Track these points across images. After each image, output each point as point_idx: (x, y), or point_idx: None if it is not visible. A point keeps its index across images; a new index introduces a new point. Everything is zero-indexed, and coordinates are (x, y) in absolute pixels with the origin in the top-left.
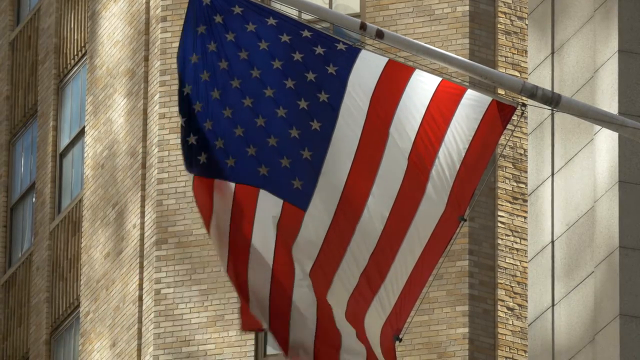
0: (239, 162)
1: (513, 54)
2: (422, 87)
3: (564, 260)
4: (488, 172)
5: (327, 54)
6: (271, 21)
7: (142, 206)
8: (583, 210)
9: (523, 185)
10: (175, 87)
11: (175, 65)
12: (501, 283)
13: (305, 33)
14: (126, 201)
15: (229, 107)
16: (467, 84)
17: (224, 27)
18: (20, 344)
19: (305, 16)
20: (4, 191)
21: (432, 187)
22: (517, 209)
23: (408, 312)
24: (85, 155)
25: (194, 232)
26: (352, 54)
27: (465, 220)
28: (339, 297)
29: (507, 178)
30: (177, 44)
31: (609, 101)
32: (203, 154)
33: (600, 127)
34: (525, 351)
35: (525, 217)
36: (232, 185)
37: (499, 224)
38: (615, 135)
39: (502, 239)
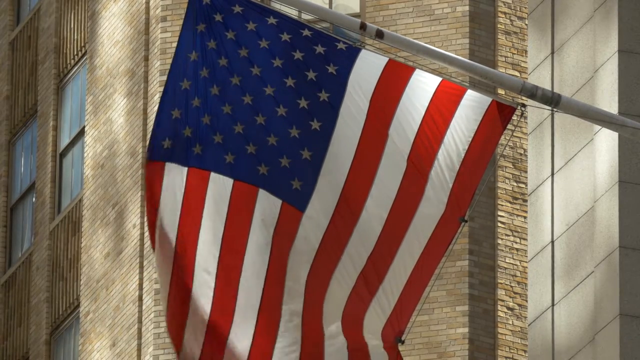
0: (238, 159)
1: (513, 54)
2: (421, 88)
3: (563, 260)
4: (488, 172)
5: (327, 54)
6: (271, 20)
7: (142, 206)
8: (583, 210)
9: (523, 185)
10: None
11: None
12: (501, 283)
13: (306, 32)
14: (126, 201)
15: (228, 104)
16: (467, 84)
17: (224, 26)
18: (20, 344)
19: (305, 16)
20: (4, 191)
21: (431, 188)
22: (517, 209)
23: (410, 313)
24: (85, 155)
25: None
26: (352, 53)
27: (466, 221)
28: (335, 299)
29: (507, 178)
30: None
31: (608, 101)
32: (198, 146)
33: (600, 127)
34: (525, 351)
35: (525, 217)
36: (231, 181)
37: (499, 224)
38: (615, 135)
39: (502, 239)
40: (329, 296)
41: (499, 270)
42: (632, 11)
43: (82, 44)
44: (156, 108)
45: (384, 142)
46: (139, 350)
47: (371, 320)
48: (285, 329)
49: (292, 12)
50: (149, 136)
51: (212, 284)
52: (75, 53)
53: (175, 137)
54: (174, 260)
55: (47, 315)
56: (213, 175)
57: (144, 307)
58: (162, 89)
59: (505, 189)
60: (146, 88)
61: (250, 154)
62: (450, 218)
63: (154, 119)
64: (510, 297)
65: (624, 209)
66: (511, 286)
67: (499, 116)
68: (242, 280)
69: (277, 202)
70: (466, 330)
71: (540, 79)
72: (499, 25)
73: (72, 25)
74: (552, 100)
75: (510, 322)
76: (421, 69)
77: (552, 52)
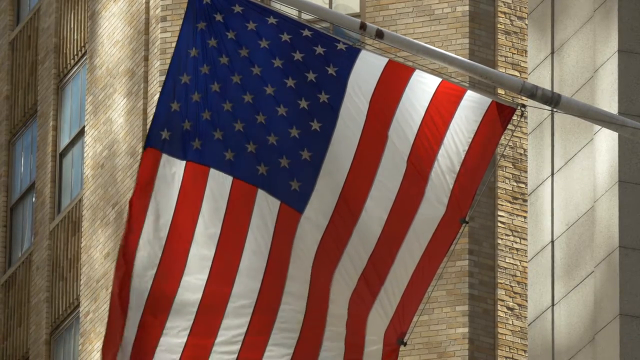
0: (238, 157)
1: (513, 53)
2: (421, 89)
3: (563, 260)
4: (489, 173)
5: (327, 54)
6: (271, 20)
7: None
8: (583, 210)
9: (523, 185)
10: None
11: None
12: (501, 283)
13: (306, 32)
14: (126, 201)
15: (229, 101)
16: (467, 84)
17: (224, 26)
18: (20, 344)
19: (305, 16)
20: (3, 191)
21: (432, 189)
22: (517, 209)
23: (412, 315)
24: (85, 155)
25: None
26: (352, 54)
27: (467, 222)
28: (339, 301)
29: (507, 178)
30: None
31: (608, 101)
32: (197, 140)
33: (600, 127)
34: (525, 351)
35: (525, 217)
36: (230, 179)
37: (499, 224)
38: (615, 135)
39: (502, 239)
40: (332, 297)
41: (499, 270)
42: (632, 11)
43: (82, 44)
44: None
45: (383, 143)
46: None
47: (374, 321)
48: (279, 330)
49: (292, 12)
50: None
51: (204, 284)
52: (75, 53)
53: (173, 129)
54: (162, 255)
55: (47, 315)
56: (212, 171)
57: None
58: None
59: (505, 189)
60: (146, 88)
61: (250, 153)
62: (451, 219)
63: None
64: (510, 297)
65: (623, 209)
66: (511, 286)
67: (499, 117)
68: (237, 281)
69: (276, 203)
70: (466, 330)
71: (540, 79)
72: (498, 25)
73: (72, 25)
74: (552, 100)
75: (510, 322)
76: (421, 69)
77: (552, 52)
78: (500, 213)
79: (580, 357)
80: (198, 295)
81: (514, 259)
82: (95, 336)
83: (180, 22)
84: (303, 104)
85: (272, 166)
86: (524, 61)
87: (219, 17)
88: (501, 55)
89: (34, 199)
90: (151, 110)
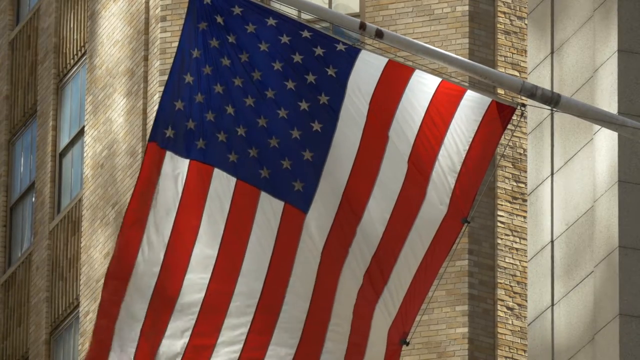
0: (241, 160)
1: (512, 53)
2: (421, 89)
3: (563, 260)
4: (489, 172)
5: (326, 55)
6: (271, 21)
7: None
8: (582, 210)
9: (523, 185)
10: None
11: None
12: (501, 283)
13: (305, 33)
14: (126, 201)
15: (232, 105)
16: (467, 84)
17: (225, 29)
18: (20, 344)
19: (305, 16)
20: (3, 191)
21: (433, 189)
22: (517, 209)
23: (414, 315)
24: (85, 155)
25: None
26: (351, 55)
27: (469, 222)
28: (345, 300)
29: (506, 178)
30: (176, 44)
31: (608, 101)
32: (201, 140)
33: (599, 127)
34: (525, 351)
35: (524, 217)
36: (234, 180)
37: (499, 224)
38: (615, 135)
39: (501, 239)
40: (338, 296)
41: (499, 270)
42: (632, 11)
43: (82, 44)
44: (156, 108)
45: (384, 144)
46: None
47: (377, 321)
48: (282, 330)
49: (292, 12)
50: (148, 136)
51: (206, 283)
52: (74, 53)
53: (177, 128)
54: (165, 253)
55: (47, 315)
56: (217, 171)
57: None
58: (162, 88)
59: (505, 188)
60: (146, 88)
61: (253, 157)
62: (453, 219)
63: (154, 118)
64: (510, 296)
65: (623, 209)
66: (511, 286)
67: (499, 116)
68: (240, 281)
69: (280, 204)
70: (466, 330)
71: (540, 78)
72: (498, 25)
73: (71, 25)
74: (552, 100)
75: (510, 322)
76: (421, 69)
77: (552, 52)
78: (500, 213)
79: (580, 357)
80: (201, 295)
81: (513, 258)
82: None
83: (180, 22)
84: (303, 105)
85: (274, 169)
86: (523, 61)
87: (219, 20)
88: (501, 55)
89: (33, 199)
90: (151, 110)
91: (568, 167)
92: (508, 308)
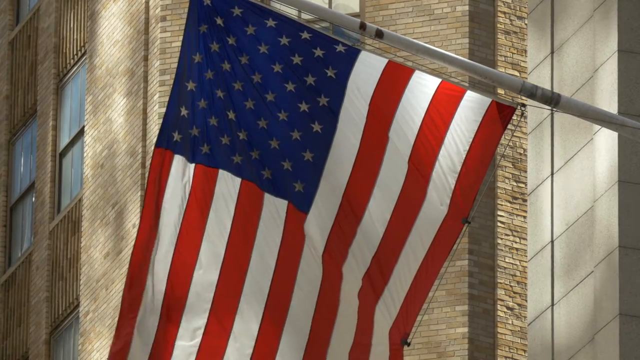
0: (245, 162)
1: (513, 53)
2: (421, 90)
3: (563, 260)
4: (489, 173)
5: (326, 57)
6: (270, 23)
7: (142, 206)
8: (582, 210)
9: (523, 185)
10: None
11: (175, 65)
12: (501, 283)
13: (305, 35)
14: (126, 201)
15: (233, 110)
16: (467, 84)
17: (225, 31)
18: (20, 344)
19: (305, 16)
20: (3, 191)
21: (434, 190)
22: (517, 209)
23: (415, 315)
24: (85, 154)
25: None
26: (351, 56)
27: (469, 222)
28: (349, 300)
29: (506, 178)
30: (176, 44)
31: (608, 101)
32: (206, 145)
33: (599, 126)
34: (525, 351)
35: (525, 217)
36: (239, 180)
37: (499, 224)
38: (615, 135)
39: (501, 239)
40: (343, 296)
41: (499, 270)
42: (631, 11)
43: (82, 44)
44: (156, 107)
45: (384, 145)
46: None
47: (379, 322)
48: (290, 328)
49: (291, 11)
50: (148, 136)
51: (216, 280)
52: (74, 53)
53: (183, 133)
54: (174, 252)
55: (47, 315)
56: (221, 172)
57: None
58: (161, 88)
59: (505, 188)
60: (146, 88)
61: (255, 160)
62: (453, 219)
63: (154, 118)
64: (510, 296)
65: (623, 209)
66: (511, 286)
67: (499, 116)
68: (247, 281)
69: (283, 203)
70: (466, 330)
71: (540, 78)
72: (498, 25)
73: (71, 25)
74: (552, 100)
75: (510, 322)
76: (421, 69)
77: (552, 52)
78: (500, 213)
79: (580, 357)
80: (210, 294)
81: (513, 258)
82: (95, 336)
83: (180, 22)
84: (303, 107)
85: (275, 170)
86: (523, 61)
87: (219, 21)
88: (501, 55)
89: (33, 199)
90: (151, 110)
91: (568, 167)
92: (508, 308)
